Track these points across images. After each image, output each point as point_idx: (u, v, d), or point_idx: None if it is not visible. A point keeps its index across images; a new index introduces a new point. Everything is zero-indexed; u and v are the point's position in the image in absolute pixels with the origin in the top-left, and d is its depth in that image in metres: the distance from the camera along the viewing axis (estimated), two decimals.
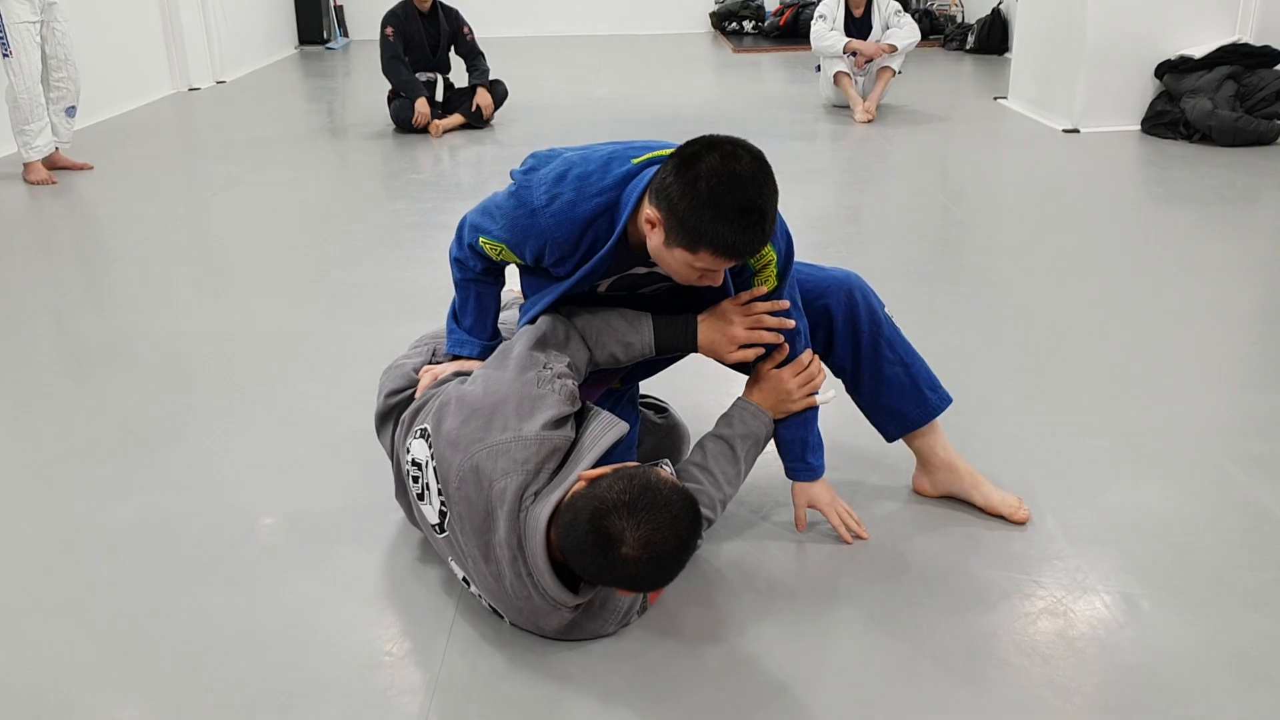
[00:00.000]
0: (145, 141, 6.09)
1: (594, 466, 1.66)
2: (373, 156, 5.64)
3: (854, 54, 6.19)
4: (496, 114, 6.32)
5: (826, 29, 6.21)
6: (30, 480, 2.33)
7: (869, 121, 6.07)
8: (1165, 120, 5.49)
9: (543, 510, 1.60)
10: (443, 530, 1.73)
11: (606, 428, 1.72)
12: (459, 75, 6.30)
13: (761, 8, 10.70)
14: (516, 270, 1.97)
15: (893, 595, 1.86)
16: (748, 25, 10.65)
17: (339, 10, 10.65)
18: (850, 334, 2.02)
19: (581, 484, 1.60)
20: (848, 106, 6.34)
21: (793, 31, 9.79)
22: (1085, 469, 2.26)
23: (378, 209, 4.63)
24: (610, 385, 2.03)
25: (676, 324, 1.88)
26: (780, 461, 2.02)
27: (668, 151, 1.72)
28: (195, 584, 1.93)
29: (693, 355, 1.96)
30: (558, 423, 1.68)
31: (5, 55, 4.80)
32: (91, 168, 5.27)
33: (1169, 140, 5.42)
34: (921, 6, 10.03)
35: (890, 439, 2.12)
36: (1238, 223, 4.13)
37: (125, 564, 1.99)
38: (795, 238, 1.91)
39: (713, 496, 1.87)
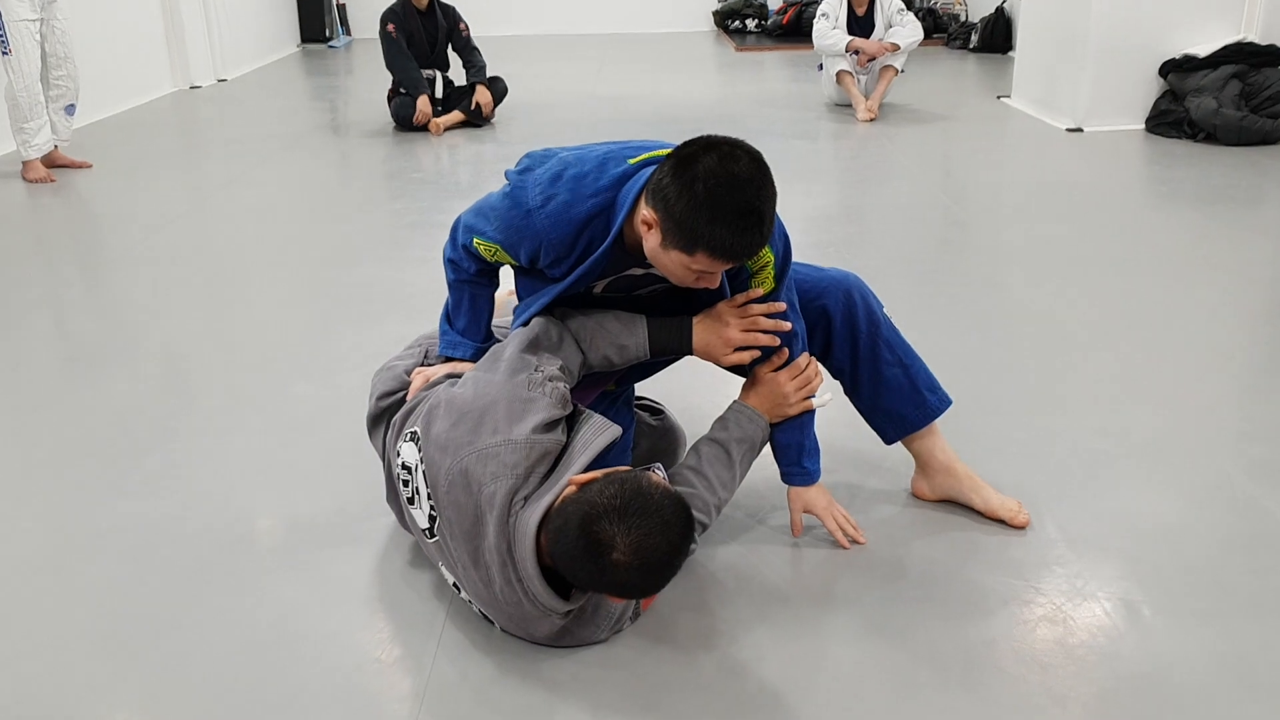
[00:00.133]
0: (145, 139, 6.08)
1: (585, 471, 1.64)
2: (373, 155, 5.62)
3: (856, 52, 6.17)
4: (497, 113, 6.30)
5: (829, 27, 6.19)
6: (21, 481, 2.31)
7: (871, 120, 6.04)
8: (1169, 119, 5.46)
9: (532, 515, 1.58)
10: (433, 535, 1.71)
11: (598, 431, 1.70)
12: (458, 73, 6.28)
13: (764, 6, 10.66)
14: (511, 272, 1.95)
15: (890, 601, 1.83)
16: (751, 24, 10.62)
17: (341, 8, 10.63)
18: (848, 334, 2.00)
19: (572, 489, 1.58)
20: (850, 105, 6.32)
21: (796, 30, 9.75)
22: (1086, 473, 2.24)
23: (377, 208, 4.62)
24: (605, 388, 2.00)
25: (671, 326, 1.85)
26: (776, 466, 1.99)
27: (664, 152, 1.70)
28: (184, 588, 1.91)
29: (689, 357, 1.94)
30: (548, 426, 1.66)
31: (5, 53, 4.78)
32: (90, 166, 5.26)
33: (1173, 140, 5.39)
34: (925, 5, 9.99)
35: (889, 441, 2.10)
36: (1242, 223, 4.10)
37: (113, 568, 1.97)
38: (797, 237, 1.89)
39: (707, 501, 1.85)
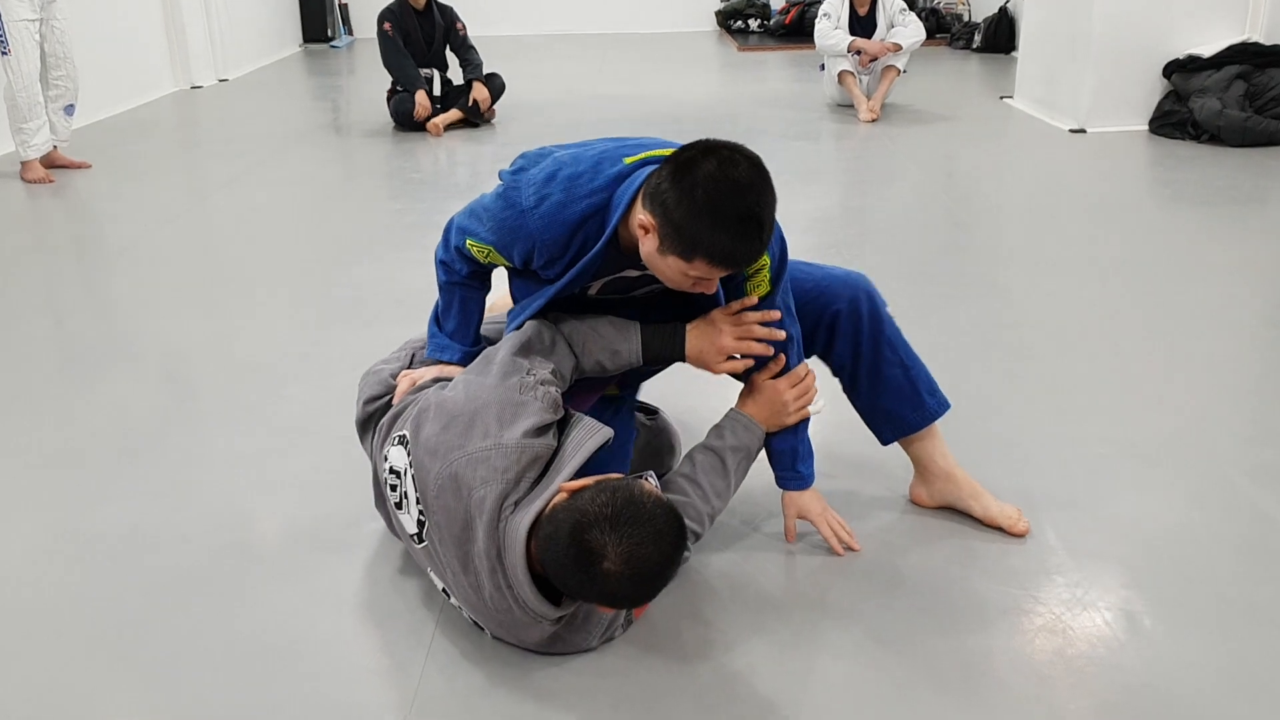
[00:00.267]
0: (145, 140, 6.06)
1: (578, 474, 1.62)
2: (373, 155, 5.60)
3: (858, 53, 6.14)
4: (498, 113, 6.29)
5: (830, 27, 6.16)
6: (11, 485, 2.29)
7: (873, 121, 6.02)
8: (1173, 120, 5.42)
9: (523, 520, 1.56)
10: (421, 540, 1.69)
11: (589, 434, 1.67)
12: (456, 74, 6.27)
13: (767, 6, 10.63)
14: (505, 275, 1.93)
15: (886, 610, 1.81)
16: (753, 24, 10.60)
17: (344, 8, 10.62)
18: (851, 332, 1.97)
19: (563, 495, 1.56)
20: (852, 106, 6.29)
21: (799, 30, 9.72)
22: (1087, 478, 2.21)
23: (376, 208, 4.60)
24: (604, 392, 1.98)
25: (665, 333, 1.83)
26: (770, 471, 1.97)
27: (662, 151, 1.67)
28: (170, 595, 1.88)
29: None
30: (540, 430, 1.64)
31: (4, 53, 4.77)
32: (90, 166, 5.24)
33: (1177, 140, 5.35)
34: (928, 5, 9.95)
35: (885, 442, 2.07)
36: (1247, 224, 4.07)
37: (99, 574, 1.95)
38: (797, 239, 1.87)
39: (700, 510, 1.82)
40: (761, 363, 1.88)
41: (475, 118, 6.08)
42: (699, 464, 1.86)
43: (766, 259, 1.78)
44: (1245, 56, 5.29)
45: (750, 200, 1.56)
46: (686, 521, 1.74)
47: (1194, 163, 4.93)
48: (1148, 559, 1.94)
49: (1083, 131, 5.62)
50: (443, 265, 1.92)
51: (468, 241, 1.82)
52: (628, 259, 1.76)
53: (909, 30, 6.12)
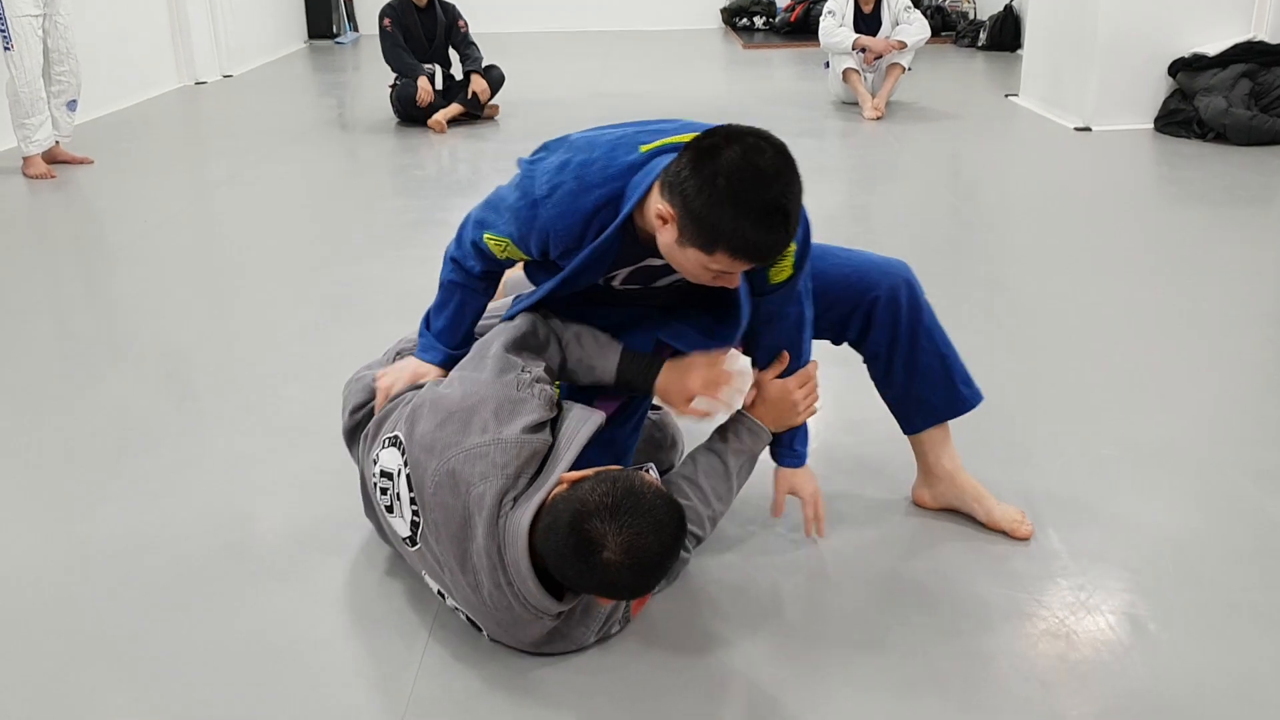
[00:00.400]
0: (148, 136, 6.05)
1: (574, 465, 1.61)
2: (376, 152, 5.59)
3: (863, 50, 6.11)
4: (501, 110, 6.27)
5: (835, 25, 6.13)
6: (9, 484, 2.28)
7: (878, 119, 5.99)
8: (1178, 119, 5.40)
9: (524, 515, 1.55)
10: (414, 543, 1.68)
11: (581, 422, 1.66)
12: (459, 70, 6.26)
13: (772, 4, 10.61)
14: (505, 285, 1.91)
15: (887, 613, 1.79)
16: (758, 21, 10.57)
17: (348, 4, 10.60)
18: (889, 322, 1.93)
19: (563, 486, 1.55)
20: (857, 104, 6.26)
21: (804, 28, 9.71)
22: (1091, 480, 2.19)
23: (379, 205, 4.59)
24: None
25: (642, 361, 1.79)
26: (769, 471, 1.95)
27: (682, 138, 1.61)
28: (167, 596, 1.87)
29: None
30: (537, 427, 1.63)
31: (6, 48, 4.76)
32: (92, 162, 5.23)
33: (1182, 139, 5.33)
34: (933, 3, 9.92)
35: (913, 431, 2.03)
36: (1252, 224, 4.04)
37: (96, 574, 1.94)
38: None
39: (701, 513, 1.81)
40: (769, 359, 1.86)
41: (475, 109, 6.06)
42: (701, 466, 1.84)
43: (791, 244, 1.72)
44: (1251, 55, 5.26)
45: (776, 189, 1.49)
46: (687, 523, 1.73)
47: (1199, 161, 4.90)
48: (1152, 562, 1.92)
49: (1088, 130, 5.59)
50: (453, 262, 1.84)
51: (485, 235, 1.75)
52: (646, 249, 1.69)
53: (914, 28, 6.10)
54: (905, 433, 2.04)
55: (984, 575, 1.89)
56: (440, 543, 1.62)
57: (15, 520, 2.14)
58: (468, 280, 1.84)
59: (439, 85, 6.12)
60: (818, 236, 1.81)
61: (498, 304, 2.07)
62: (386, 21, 5.97)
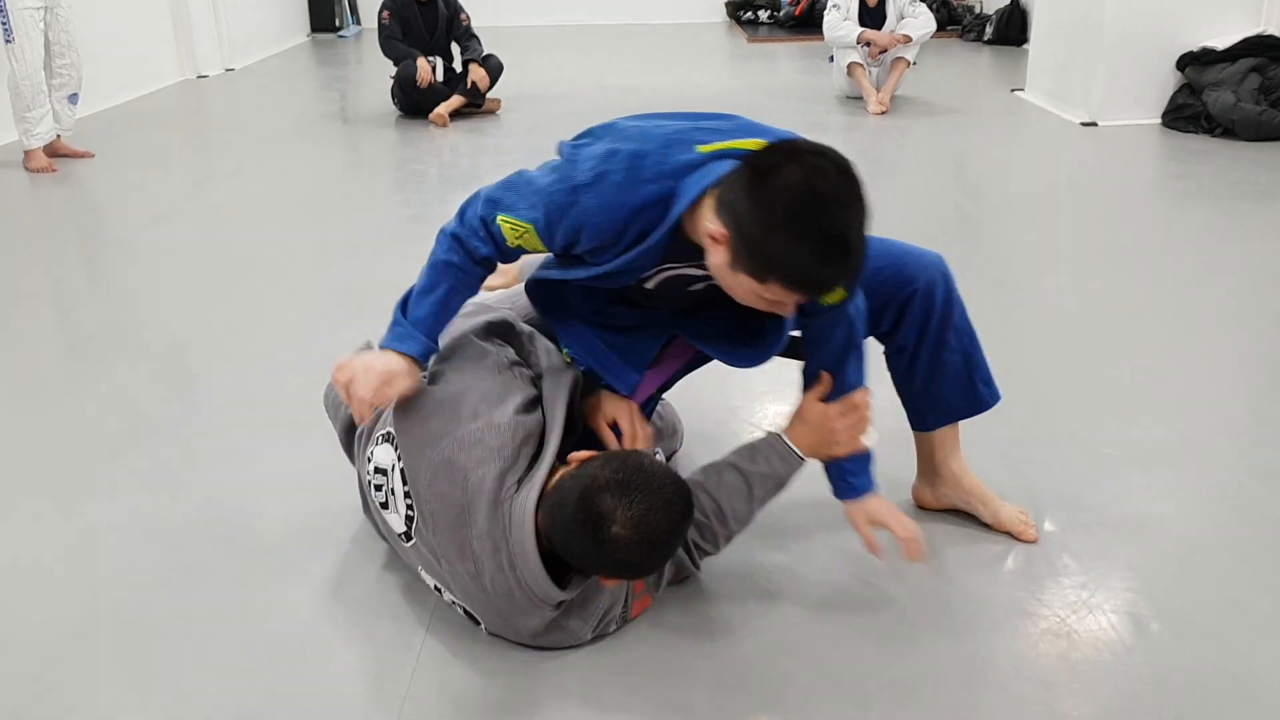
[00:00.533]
0: (150, 129, 6.04)
1: (583, 443, 1.62)
2: (378, 146, 5.58)
3: (868, 44, 6.08)
4: (503, 105, 6.25)
5: (840, 19, 6.10)
6: (8, 476, 2.27)
7: (882, 113, 5.96)
8: (1186, 114, 5.36)
9: (529, 496, 1.55)
10: (410, 538, 1.66)
11: (558, 384, 1.68)
12: (460, 65, 6.25)
13: None
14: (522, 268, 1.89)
15: (887, 612, 1.77)
16: (763, 15, 10.54)
17: None
18: (922, 316, 1.86)
19: (571, 465, 1.56)
20: (861, 98, 6.23)
21: (809, 21, 9.68)
22: (1094, 478, 2.17)
23: (379, 199, 4.57)
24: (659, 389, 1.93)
25: (585, 391, 1.79)
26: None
27: (743, 144, 1.49)
28: (159, 591, 1.86)
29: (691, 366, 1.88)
30: (528, 406, 1.63)
31: (8, 41, 4.75)
32: (93, 155, 5.22)
33: (1190, 134, 5.29)
34: None
35: (926, 428, 1.97)
36: (1260, 220, 4.01)
37: (92, 567, 1.93)
38: None
39: (716, 532, 1.73)
40: (811, 381, 1.73)
41: (476, 99, 6.04)
42: (724, 484, 1.73)
43: None
44: (1260, 49, 5.22)
45: (838, 217, 1.37)
46: (700, 541, 1.72)
47: (1207, 157, 4.87)
48: (1154, 562, 1.90)
49: (1094, 125, 5.56)
50: (452, 239, 1.67)
51: (499, 217, 1.60)
52: (689, 255, 1.55)
53: (919, 22, 6.07)
54: (915, 429, 2.00)
55: (984, 573, 1.87)
56: (437, 534, 1.61)
57: (14, 511, 2.13)
58: (465, 263, 1.67)
59: (440, 78, 6.10)
60: None
61: (508, 291, 2.05)
62: (385, 14, 5.96)
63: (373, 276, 3.46)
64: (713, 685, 1.61)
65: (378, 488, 1.71)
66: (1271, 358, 2.80)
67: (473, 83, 5.99)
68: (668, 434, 2.17)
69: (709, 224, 1.44)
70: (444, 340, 1.76)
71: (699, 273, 1.60)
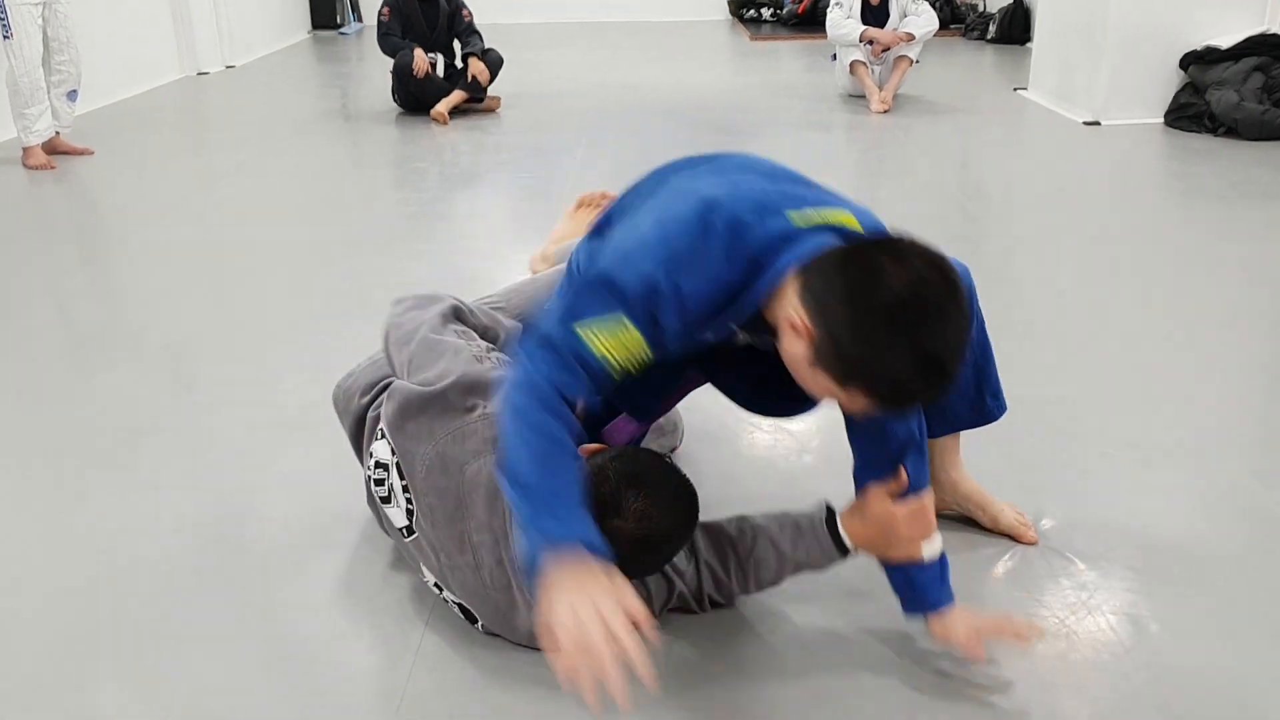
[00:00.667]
0: (149, 127, 6.03)
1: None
2: (378, 143, 5.57)
3: (870, 42, 6.06)
4: (503, 102, 6.23)
5: (843, 17, 6.08)
6: (5, 476, 2.26)
7: (885, 112, 5.94)
8: (1190, 113, 5.34)
9: None
10: (410, 532, 1.66)
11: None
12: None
13: None
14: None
15: (886, 613, 1.75)
16: (766, 13, 10.53)
17: None
18: None
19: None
20: (864, 96, 6.21)
21: (812, 19, 9.66)
22: (1094, 479, 2.15)
23: (380, 197, 4.56)
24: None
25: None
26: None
27: (838, 218, 1.38)
28: (159, 589, 1.85)
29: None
30: None
31: (6, 37, 4.73)
32: (92, 152, 5.21)
33: (1193, 134, 5.27)
34: None
35: (930, 436, 1.86)
36: (1263, 220, 3.99)
37: (90, 566, 1.92)
38: None
39: (733, 591, 1.69)
40: (868, 476, 1.58)
41: (476, 93, 6.02)
42: (756, 553, 1.64)
43: None
44: (1264, 48, 5.21)
45: (938, 335, 1.24)
46: (713, 593, 1.68)
47: (1210, 156, 4.85)
48: (1154, 563, 1.88)
49: (1097, 124, 5.54)
50: (531, 394, 1.34)
51: (591, 336, 1.32)
52: (760, 324, 1.40)
53: (922, 20, 6.05)
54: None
55: (982, 574, 1.86)
56: (436, 527, 1.60)
57: (12, 511, 2.12)
58: (556, 433, 1.34)
59: (441, 74, 6.08)
60: None
61: (508, 287, 2.05)
62: (385, 11, 5.94)
63: (374, 275, 3.45)
64: (712, 684, 1.60)
65: (379, 482, 1.70)
66: (1273, 358, 2.79)
67: (473, 76, 5.97)
68: (668, 430, 2.16)
69: (791, 310, 1.31)
70: (404, 341, 1.76)
71: (747, 338, 1.49)
